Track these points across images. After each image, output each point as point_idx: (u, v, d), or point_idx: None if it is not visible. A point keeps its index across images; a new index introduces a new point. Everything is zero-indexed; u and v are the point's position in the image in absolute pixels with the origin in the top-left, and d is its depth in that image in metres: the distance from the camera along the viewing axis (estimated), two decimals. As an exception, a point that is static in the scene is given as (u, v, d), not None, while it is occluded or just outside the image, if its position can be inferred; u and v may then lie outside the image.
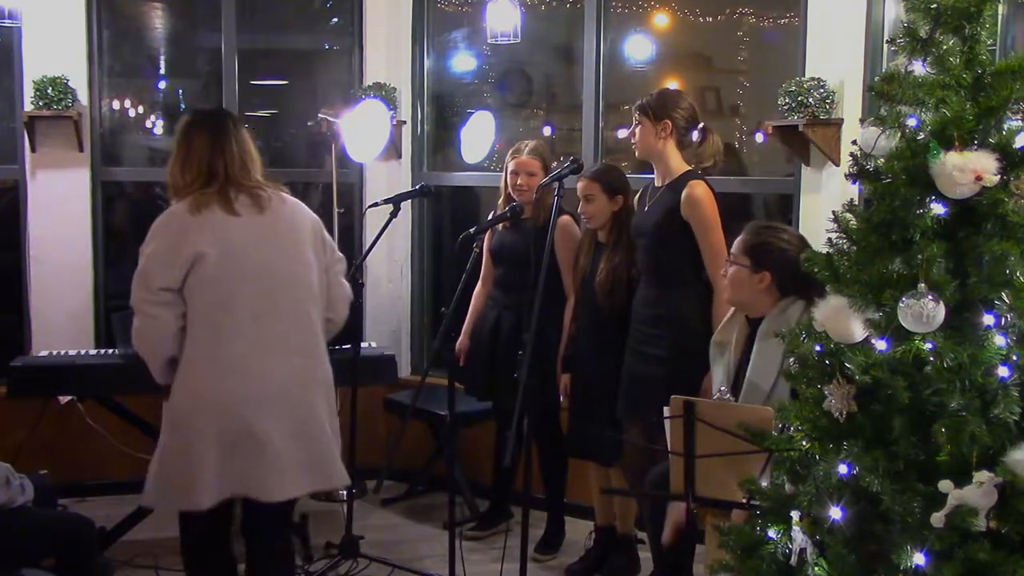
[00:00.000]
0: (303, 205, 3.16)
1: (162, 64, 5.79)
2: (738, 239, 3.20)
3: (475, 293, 4.41)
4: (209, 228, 2.92)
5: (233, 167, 2.99)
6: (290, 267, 3.01)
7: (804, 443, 2.27)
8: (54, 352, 4.30)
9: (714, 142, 3.65)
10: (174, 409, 2.94)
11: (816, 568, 2.15)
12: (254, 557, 3.10)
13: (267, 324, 2.95)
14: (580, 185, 3.83)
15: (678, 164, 3.60)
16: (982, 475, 1.99)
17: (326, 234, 3.18)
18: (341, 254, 3.23)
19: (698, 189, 3.49)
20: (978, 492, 1.99)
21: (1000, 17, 3.45)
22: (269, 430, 2.90)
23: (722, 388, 3.15)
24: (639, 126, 3.59)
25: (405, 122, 5.15)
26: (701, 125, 3.64)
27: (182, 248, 2.90)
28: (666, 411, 2.78)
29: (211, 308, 2.91)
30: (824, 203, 3.96)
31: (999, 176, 2.04)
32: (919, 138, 2.12)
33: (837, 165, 3.98)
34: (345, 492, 4.56)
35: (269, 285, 2.96)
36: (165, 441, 2.95)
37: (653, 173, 3.69)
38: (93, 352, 4.36)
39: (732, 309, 3.25)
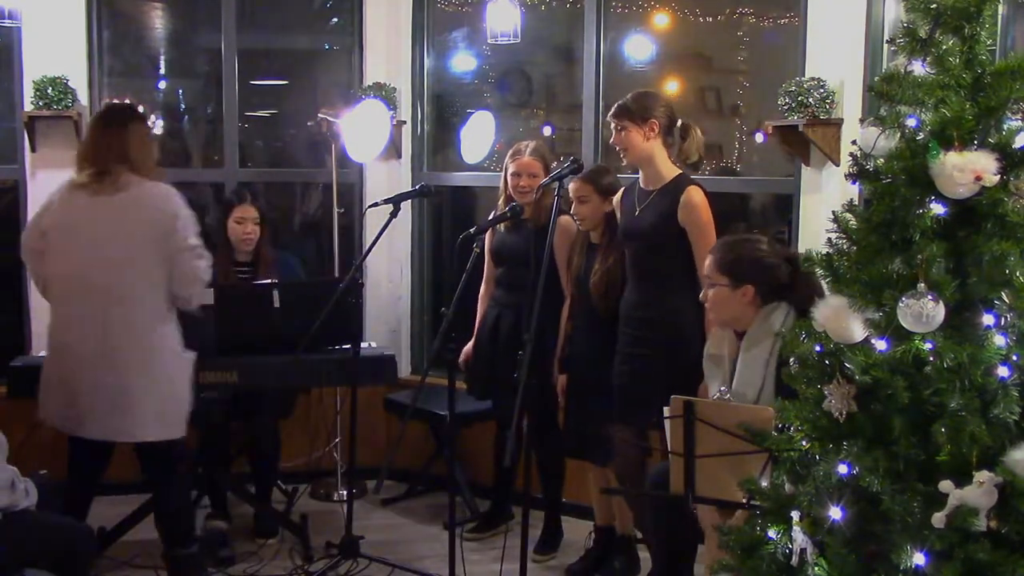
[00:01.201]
0: (164, 194, 3.60)
1: (162, 64, 5.79)
2: (709, 260, 3.17)
3: (480, 296, 4.40)
4: (69, 205, 3.56)
5: (110, 154, 3.55)
6: (124, 247, 3.52)
7: (804, 443, 2.27)
8: (54, 352, 4.30)
9: (696, 136, 3.65)
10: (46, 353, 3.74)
11: (816, 568, 2.16)
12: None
13: (97, 293, 3.50)
14: (573, 187, 3.81)
15: (668, 167, 3.59)
16: (982, 475, 2.00)
17: (180, 220, 3.57)
18: (195, 240, 3.60)
19: (696, 195, 3.49)
20: (978, 492, 1.99)
21: (1000, 17, 3.45)
22: (96, 383, 3.49)
23: (722, 388, 3.15)
24: (624, 132, 3.56)
25: (405, 122, 5.15)
26: (680, 122, 3.64)
27: (42, 218, 3.63)
28: (666, 411, 2.79)
29: (60, 275, 3.58)
30: (824, 203, 3.96)
31: (999, 176, 2.05)
32: (919, 138, 2.12)
33: (837, 165, 3.98)
34: (345, 492, 4.56)
35: (105, 260, 3.51)
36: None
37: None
38: (93, 352, 4.36)
39: None
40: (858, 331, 2.14)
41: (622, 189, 3.76)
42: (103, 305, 3.51)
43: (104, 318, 3.50)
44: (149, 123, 3.77)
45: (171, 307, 3.62)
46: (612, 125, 3.61)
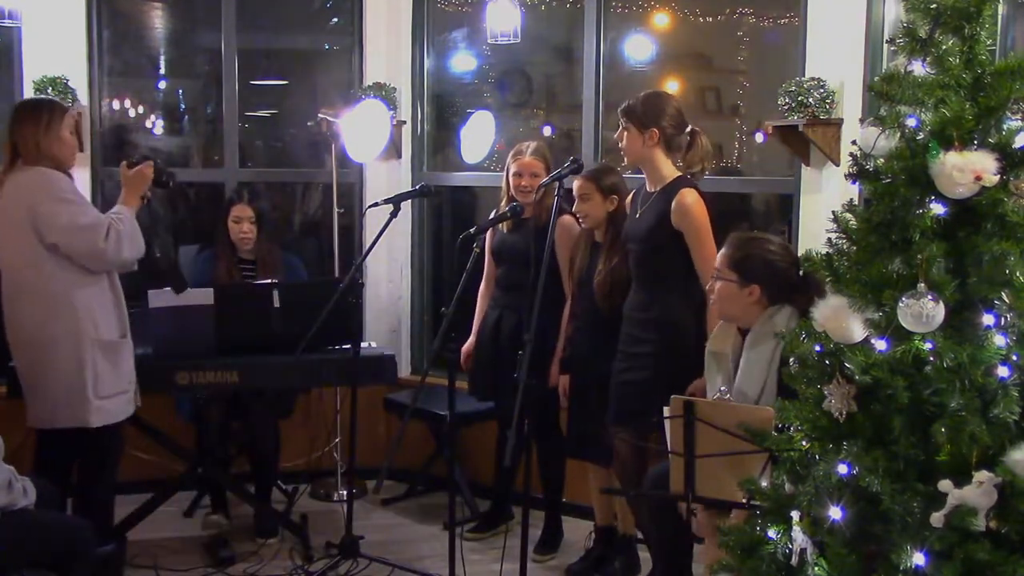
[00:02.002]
0: (25, 183, 3.52)
1: (162, 64, 5.79)
2: (722, 253, 3.17)
3: (480, 294, 4.40)
4: None
5: (4, 151, 3.59)
6: (11, 241, 3.54)
7: (804, 443, 2.27)
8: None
9: (703, 145, 3.62)
10: None
11: (816, 568, 2.16)
12: None
13: (10, 288, 3.57)
14: (576, 184, 3.83)
15: (669, 170, 3.58)
16: (981, 475, 2.00)
17: (42, 207, 3.49)
18: (70, 218, 3.51)
19: (689, 198, 3.47)
20: (977, 492, 1.99)
21: (1000, 17, 3.45)
22: (28, 371, 3.57)
23: (722, 388, 3.15)
24: (626, 132, 3.57)
25: (405, 122, 5.15)
26: (689, 128, 3.62)
27: None
28: (666, 411, 2.79)
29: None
30: (824, 203, 3.96)
31: (999, 176, 2.05)
32: (919, 138, 2.13)
33: (837, 165, 3.98)
34: (345, 492, 4.56)
35: (6, 256, 3.57)
36: None
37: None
38: (92, 352, 4.35)
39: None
40: (858, 331, 2.14)
41: (633, 191, 3.76)
42: (13, 300, 3.57)
43: (15, 312, 3.57)
44: (52, 113, 3.62)
45: (87, 292, 3.56)
46: (620, 119, 3.61)
